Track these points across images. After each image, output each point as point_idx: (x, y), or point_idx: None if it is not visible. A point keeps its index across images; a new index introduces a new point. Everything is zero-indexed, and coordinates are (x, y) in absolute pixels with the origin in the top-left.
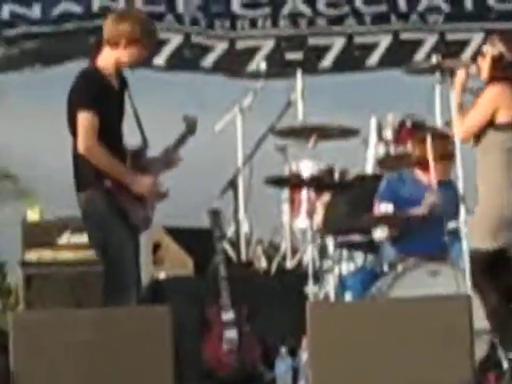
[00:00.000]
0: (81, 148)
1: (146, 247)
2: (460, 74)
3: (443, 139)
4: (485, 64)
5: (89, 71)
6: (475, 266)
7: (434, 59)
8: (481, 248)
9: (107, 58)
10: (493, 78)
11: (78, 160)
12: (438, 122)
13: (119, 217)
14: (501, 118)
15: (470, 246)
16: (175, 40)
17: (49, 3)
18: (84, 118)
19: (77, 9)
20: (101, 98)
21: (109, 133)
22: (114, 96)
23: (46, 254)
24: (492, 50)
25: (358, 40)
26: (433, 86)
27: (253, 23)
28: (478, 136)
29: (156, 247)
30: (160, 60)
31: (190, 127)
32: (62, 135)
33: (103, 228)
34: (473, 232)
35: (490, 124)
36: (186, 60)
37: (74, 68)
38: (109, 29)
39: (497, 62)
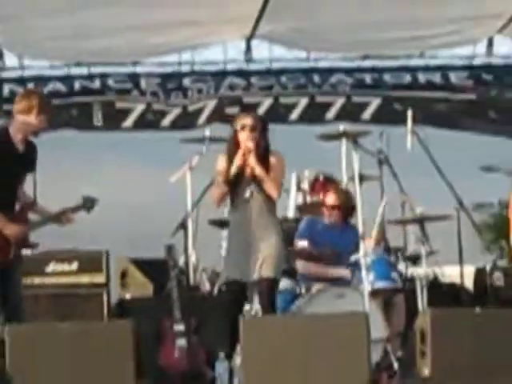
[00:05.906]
0: None
1: (115, 274)
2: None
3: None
4: None
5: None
6: None
7: (341, 128)
8: None
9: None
10: None
11: None
12: (344, 177)
13: None
14: None
15: None
16: (139, 107)
17: (41, 83)
18: None
19: (62, 88)
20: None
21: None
22: (16, 157)
23: (37, 280)
24: None
25: (282, 100)
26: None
27: (200, 91)
28: None
29: (123, 274)
30: (128, 123)
31: (86, 204)
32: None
33: None
34: None
35: None
36: (148, 122)
37: (56, 136)
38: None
39: None
